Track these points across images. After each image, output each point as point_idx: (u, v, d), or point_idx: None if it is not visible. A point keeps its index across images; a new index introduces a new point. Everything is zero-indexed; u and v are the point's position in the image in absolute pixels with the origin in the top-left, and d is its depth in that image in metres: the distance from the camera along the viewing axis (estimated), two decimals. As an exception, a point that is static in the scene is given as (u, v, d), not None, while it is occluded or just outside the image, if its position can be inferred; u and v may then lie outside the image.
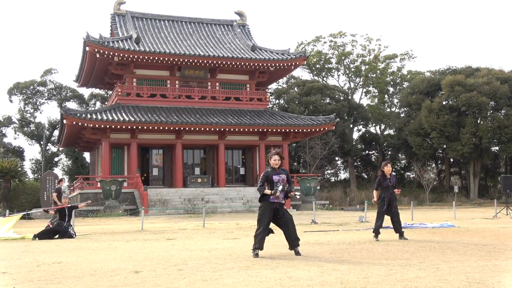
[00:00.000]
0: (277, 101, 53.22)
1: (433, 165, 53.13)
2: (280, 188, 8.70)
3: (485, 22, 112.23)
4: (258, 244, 8.63)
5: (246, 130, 35.39)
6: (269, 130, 36.05)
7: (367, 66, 57.71)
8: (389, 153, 56.11)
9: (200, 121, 34.28)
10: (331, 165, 52.92)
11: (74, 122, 32.02)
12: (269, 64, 37.96)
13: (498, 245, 9.96)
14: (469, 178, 47.67)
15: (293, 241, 8.80)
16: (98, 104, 53.27)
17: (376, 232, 11.33)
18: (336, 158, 52.87)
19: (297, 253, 8.72)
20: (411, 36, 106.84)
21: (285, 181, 8.78)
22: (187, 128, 34.00)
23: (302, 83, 53.43)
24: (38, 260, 8.82)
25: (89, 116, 32.50)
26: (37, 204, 31.17)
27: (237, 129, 34.97)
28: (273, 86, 52.25)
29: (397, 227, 11.47)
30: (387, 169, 11.44)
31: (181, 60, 35.64)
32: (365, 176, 56.38)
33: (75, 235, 14.06)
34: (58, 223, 14.20)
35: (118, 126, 32.55)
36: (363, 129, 57.52)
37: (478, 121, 44.85)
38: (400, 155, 55.86)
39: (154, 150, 37.18)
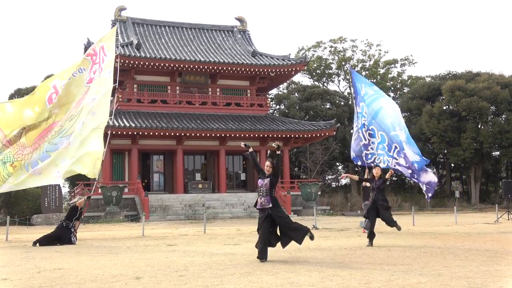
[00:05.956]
0: (277, 106, 53.25)
1: (434, 170, 53.05)
2: (262, 193, 9.00)
3: (485, 27, 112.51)
4: (260, 255, 8.74)
5: (247, 135, 35.34)
6: (270, 135, 36.03)
7: (367, 72, 57.75)
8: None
9: (200, 127, 34.30)
10: (332, 171, 52.86)
11: (74, 128, 31.99)
12: (269, 70, 38.00)
13: (500, 250, 9.94)
14: (470, 183, 47.60)
15: (297, 232, 8.92)
16: (99, 110, 53.27)
17: (371, 236, 11.41)
18: (337, 164, 52.84)
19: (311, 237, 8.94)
20: (411, 41, 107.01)
21: (268, 186, 9.08)
22: (187, 134, 34.01)
23: (302, 88, 53.47)
24: (39, 266, 8.81)
25: (90, 122, 32.49)
26: (38, 210, 31.12)
27: (237, 135, 34.95)
28: (273, 91, 52.30)
29: (389, 223, 11.92)
30: (376, 171, 12.24)
31: (181, 66, 35.71)
32: (367, 182, 56.25)
33: (76, 241, 14.03)
34: (61, 224, 14.11)
35: (119, 132, 32.55)
36: (364, 135, 57.37)
37: (479, 126, 44.84)
38: (401, 160, 55.70)
39: (155, 156, 37.19)
